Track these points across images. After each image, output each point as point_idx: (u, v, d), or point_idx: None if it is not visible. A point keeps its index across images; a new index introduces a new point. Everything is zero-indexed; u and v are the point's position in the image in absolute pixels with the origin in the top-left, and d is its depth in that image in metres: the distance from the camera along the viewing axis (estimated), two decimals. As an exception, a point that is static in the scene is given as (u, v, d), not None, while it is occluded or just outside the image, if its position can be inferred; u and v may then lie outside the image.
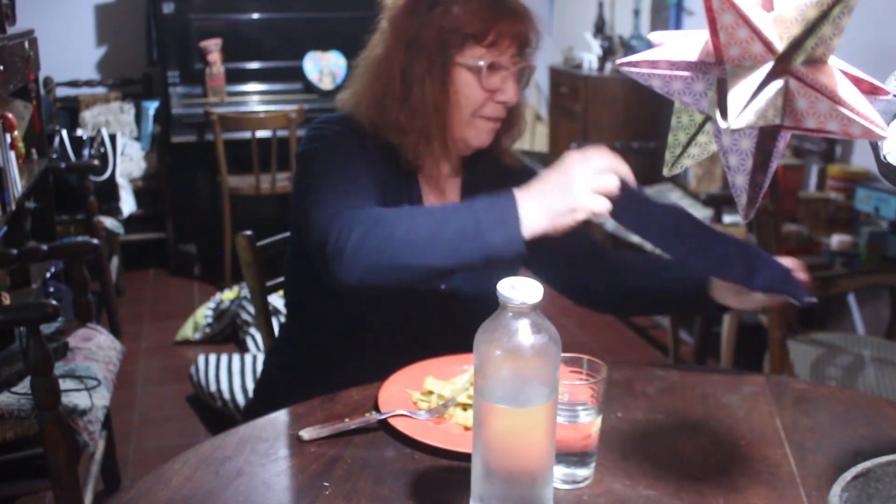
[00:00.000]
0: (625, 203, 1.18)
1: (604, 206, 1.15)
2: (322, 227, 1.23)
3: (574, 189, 1.14)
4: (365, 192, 1.32)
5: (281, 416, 1.20)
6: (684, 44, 0.83)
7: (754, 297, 1.26)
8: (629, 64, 0.83)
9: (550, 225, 1.15)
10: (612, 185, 1.15)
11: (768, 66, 0.77)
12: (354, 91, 1.45)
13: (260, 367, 2.60)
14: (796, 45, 0.77)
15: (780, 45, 0.77)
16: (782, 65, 0.78)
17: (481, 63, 1.36)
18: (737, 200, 0.85)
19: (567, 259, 1.50)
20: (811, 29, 0.76)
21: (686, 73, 0.81)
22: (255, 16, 4.51)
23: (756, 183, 0.83)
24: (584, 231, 1.48)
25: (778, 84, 0.78)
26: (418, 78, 1.37)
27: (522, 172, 1.50)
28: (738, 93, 0.76)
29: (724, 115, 0.76)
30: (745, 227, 2.98)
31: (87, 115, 4.58)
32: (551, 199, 1.15)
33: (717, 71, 0.79)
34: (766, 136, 0.82)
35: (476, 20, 1.35)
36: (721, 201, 3.30)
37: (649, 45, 0.89)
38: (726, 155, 0.84)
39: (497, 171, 1.50)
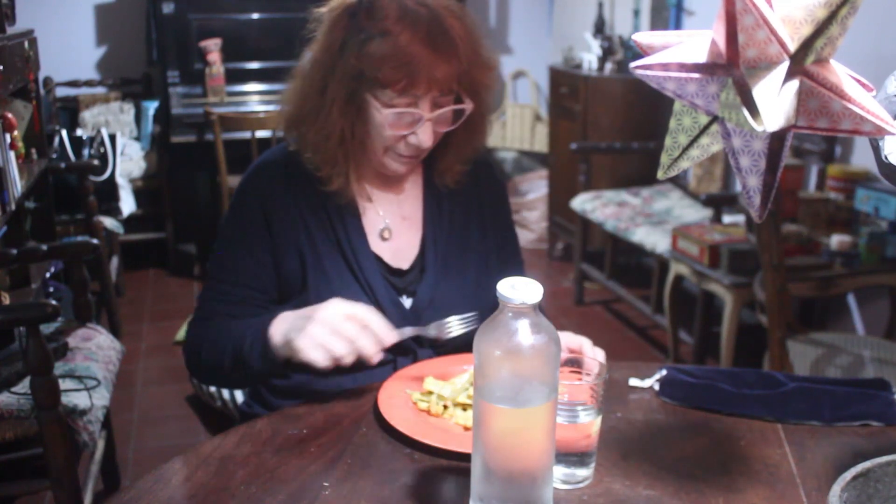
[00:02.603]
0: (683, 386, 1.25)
1: (322, 361, 1.17)
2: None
3: (309, 333, 1.18)
4: (235, 274, 1.36)
5: (280, 416, 1.20)
6: (688, 45, 0.83)
7: None
8: (643, 67, 0.82)
9: (289, 355, 1.22)
10: (341, 350, 1.17)
11: (784, 67, 0.77)
12: (286, 100, 1.40)
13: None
14: (806, 45, 0.77)
15: (791, 46, 0.77)
16: (795, 65, 0.78)
17: (386, 112, 1.27)
18: (749, 202, 0.84)
19: None
20: (820, 29, 0.76)
21: (698, 76, 0.80)
22: (255, 16, 4.51)
23: (766, 183, 0.83)
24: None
25: (795, 84, 0.78)
26: (330, 100, 1.30)
27: (477, 178, 1.46)
28: (764, 94, 0.76)
29: (755, 116, 0.76)
30: (746, 227, 2.98)
31: (87, 115, 4.58)
32: (291, 339, 1.20)
33: (724, 72, 0.79)
34: (775, 137, 0.81)
35: (388, 66, 1.24)
36: (721, 201, 3.30)
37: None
38: (737, 157, 0.83)
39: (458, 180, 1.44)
